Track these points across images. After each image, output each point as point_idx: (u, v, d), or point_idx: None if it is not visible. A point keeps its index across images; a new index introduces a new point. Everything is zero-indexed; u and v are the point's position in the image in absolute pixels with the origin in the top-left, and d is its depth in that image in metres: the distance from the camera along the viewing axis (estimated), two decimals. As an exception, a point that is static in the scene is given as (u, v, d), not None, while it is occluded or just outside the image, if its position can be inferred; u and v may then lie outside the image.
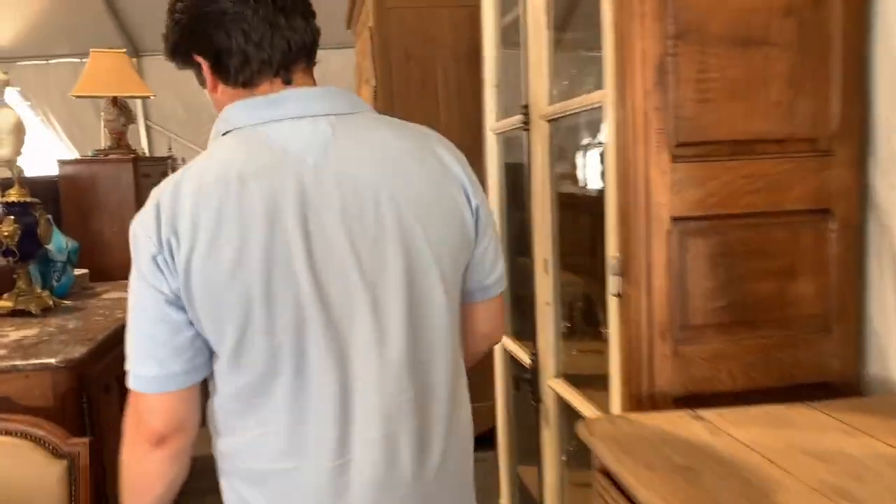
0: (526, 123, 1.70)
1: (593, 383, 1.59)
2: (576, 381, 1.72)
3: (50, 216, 2.58)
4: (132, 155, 3.49)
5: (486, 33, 2.08)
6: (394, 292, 0.93)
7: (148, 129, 7.69)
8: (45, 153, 5.78)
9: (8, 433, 1.58)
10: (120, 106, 3.79)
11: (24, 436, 1.58)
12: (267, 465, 0.95)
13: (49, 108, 7.57)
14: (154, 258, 0.88)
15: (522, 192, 1.81)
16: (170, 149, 6.74)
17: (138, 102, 7.60)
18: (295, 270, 0.89)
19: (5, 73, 3.24)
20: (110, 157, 3.48)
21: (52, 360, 1.85)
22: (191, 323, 0.91)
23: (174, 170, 6.34)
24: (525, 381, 1.86)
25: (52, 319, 2.36)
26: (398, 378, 0.94)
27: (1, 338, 2.11)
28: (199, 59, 0.99)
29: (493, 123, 2.12)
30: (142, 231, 0.90)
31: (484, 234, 1.02)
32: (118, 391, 2.29)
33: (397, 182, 0.94)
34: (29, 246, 2.45)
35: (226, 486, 1.01)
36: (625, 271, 1.25)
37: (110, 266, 3.45)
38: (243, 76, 0.96)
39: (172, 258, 0.88)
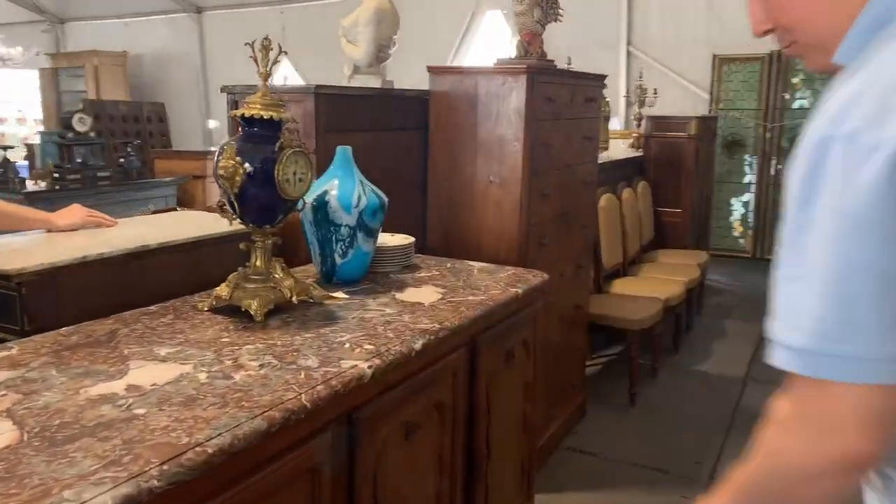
0: None
1: None
2: None
3: (307, 147, 1.48)
4: (526, 65, 2.19)
5: None
6: None
7: (629, 55, 6.46)
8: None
9: None
10: (538, -6, 2.53)
11: None
12: None
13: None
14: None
15: None
16: (640, 76, 5.38)
17: (623, 25, 6.42)
18: None
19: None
20: (498, 67, 2.26)
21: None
22: None
23: (647, 100, 5.00)
24: None
25: (268, 338, 1.27)
26: None
27: (142, 383, 1.08)
28: None
29: None
30: (867, 136, 0.57)
31: None
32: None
33: None
34: (259, 195, 1.38)
35: None
36: None
37: (467, 232, 2.29)
38: None
39: None
